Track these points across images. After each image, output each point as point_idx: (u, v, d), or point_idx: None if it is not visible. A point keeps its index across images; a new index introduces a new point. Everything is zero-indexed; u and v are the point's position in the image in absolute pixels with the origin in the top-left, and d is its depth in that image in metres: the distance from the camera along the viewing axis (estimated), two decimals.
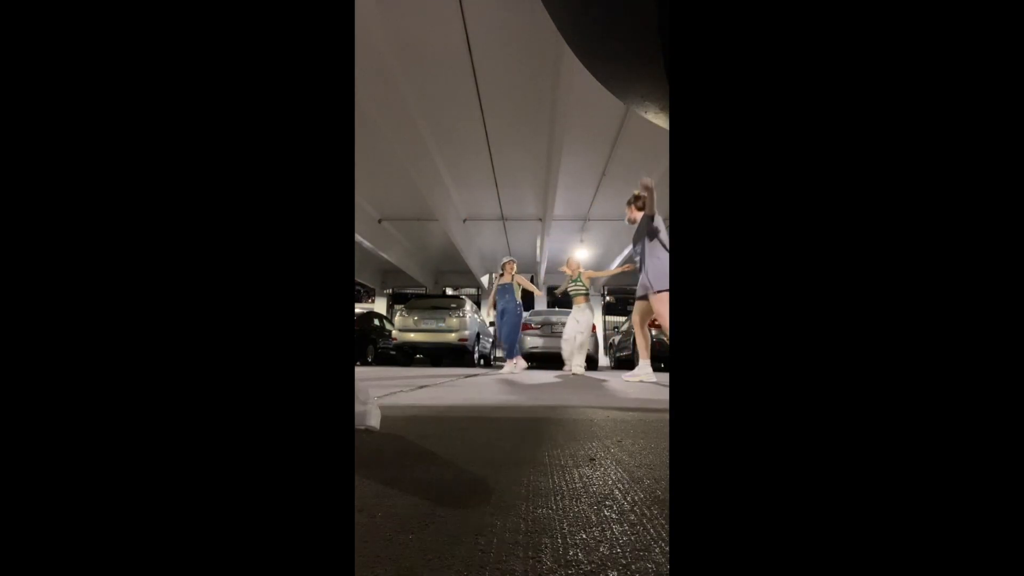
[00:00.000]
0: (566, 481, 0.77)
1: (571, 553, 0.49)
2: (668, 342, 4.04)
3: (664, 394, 2.57)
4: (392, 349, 8.89)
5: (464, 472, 0.82)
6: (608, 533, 0.55)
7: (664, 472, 0.84)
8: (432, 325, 8.29)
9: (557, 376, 4.47)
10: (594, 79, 0.79)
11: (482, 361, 9.60)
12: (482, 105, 5.73)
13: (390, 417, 1.43)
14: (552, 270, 13.18)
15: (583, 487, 0.74)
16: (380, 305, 15.66)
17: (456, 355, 8.76)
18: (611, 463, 0.91)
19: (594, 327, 4.84)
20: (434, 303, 8.65)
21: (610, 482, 0.77)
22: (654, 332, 6.76)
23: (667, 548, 0.51)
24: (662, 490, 0.73)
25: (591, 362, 5.16)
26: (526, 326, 7.89)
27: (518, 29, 4.44)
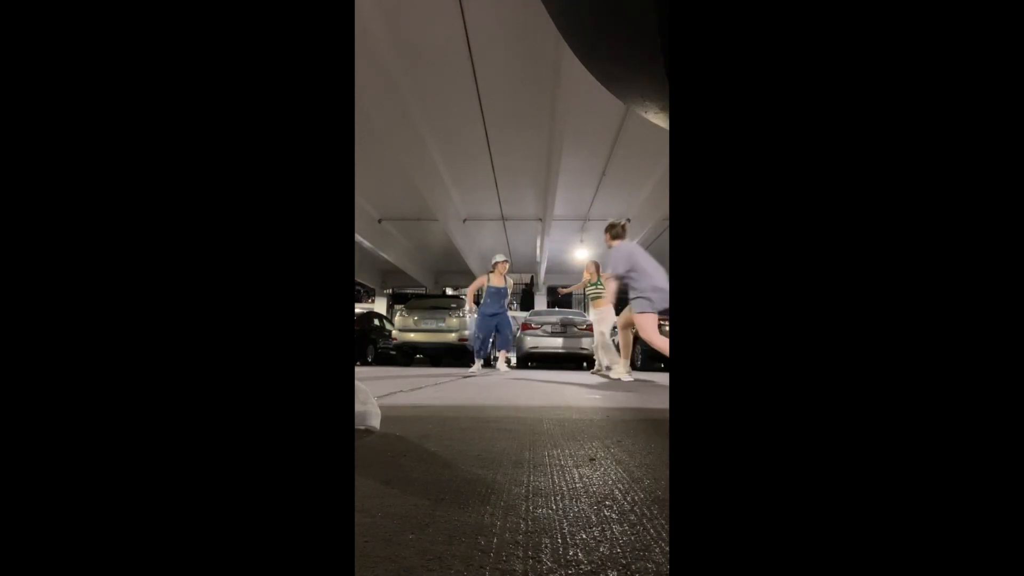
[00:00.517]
0: (566, 481, 0.77)
1: (571, 553, 0.49)
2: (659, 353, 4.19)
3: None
4: (392, 349, 8.89)
5: (464, 472, 0.82)
6: (608, 533, 0.55)
7: (664, 472, 0.84)
8: (432, 325, 8.29)
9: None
10: (594, 79, 0.79)
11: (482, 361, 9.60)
12: (482, 105, 5.73)
13: (390, 417, 1.43)
14: (552, 270, 13.17)
15: (583, 487, 0.74)
16: (380, 305, 15.66)
17: (456, 355, 8.76)
18: (611, 463, 0.91)
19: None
20: (434, 303, 8.65)
21: (610, 482, 0.77)
22: None
23: (667, 548, 0.51)
24: (662, 490, 0.73)
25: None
26: (526, 326, 7.88)
27: (518, 29, 4.43)
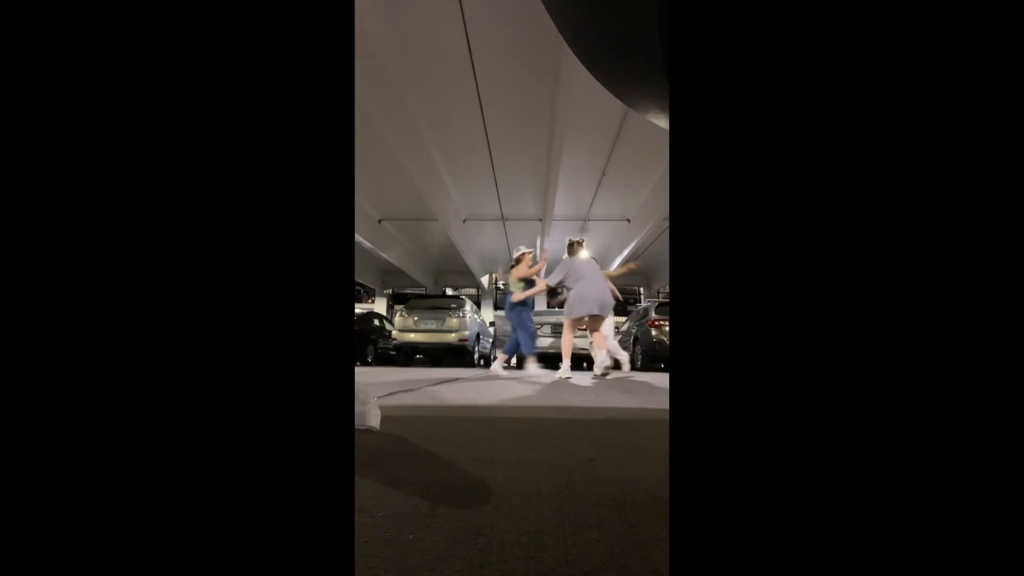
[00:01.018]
0: (566, 481, 0.77)
1: (571, 554, 0.49)
2: (596, 351, 4.45)
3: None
4: (392, 349, 8.89)
5: (464, 472, 0.82)
6: (608, 533, 0.55)
7: (664, 471, 0.84)
8: (432, 325, 8.28)
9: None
10: (594, 79, 0.79)
11: (482, 361, 9.60)
12: (482, 105, 5.73)
13: (390, 417, 1.43)
14: (553, 270, 13.12)
15: (584, 487, 0.74)
16: (380, 305, 15.65)
17: (456, 355, 8.76)
18: (611, 463, 0.91)
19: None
20: (434, 303, 8.65)
21: (610, 482, 0.77)
22: (654, 333, 6.76)
23: (667, 548, 0.51)
24: (662, 490, 0.73)
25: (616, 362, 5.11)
26: None
27: (518, 29, 4.43)
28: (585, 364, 7.73)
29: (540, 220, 9.64)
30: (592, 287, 4.26)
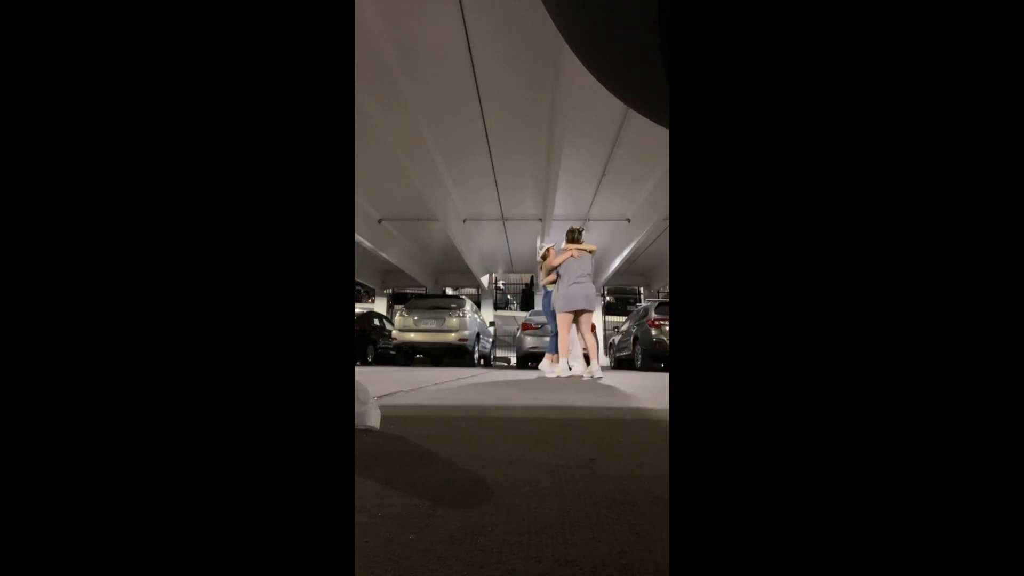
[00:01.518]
0: (567, 480, 0.77)
1: (571, 553, 0.49)
2: (590, 348, 4.62)
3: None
4: (392, 349, 8.89)
5: (464, 472, 0.82)
6: (608, 533, 0.55)
7: (664, 471, 0.84)
8: (432, 325, 8.29)
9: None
10: (594, 79, 0.79)
11: (482, 361, 9.61)
12: (482, 105, 5.73)
13: (390, 417, 1.43)
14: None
15: (584, 487, 0.74)
16: (380, 305, 15.65)
17: (456, 355, 8.76)
18: (611, 463, 0.91)
19: (593, 326, 4.87)
20: (434, 303, 8.65)
21: (610, 481, 0.77)
22: (654, 333, 6.77)
23: (667, 548, 0.51)
24: (662, 490, 0.73)
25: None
26: (526, 325, 7.89)
27: (518, 29, 4.43)
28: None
29: (540, 220, 9.64)
30: (577, 284, 4.51)
